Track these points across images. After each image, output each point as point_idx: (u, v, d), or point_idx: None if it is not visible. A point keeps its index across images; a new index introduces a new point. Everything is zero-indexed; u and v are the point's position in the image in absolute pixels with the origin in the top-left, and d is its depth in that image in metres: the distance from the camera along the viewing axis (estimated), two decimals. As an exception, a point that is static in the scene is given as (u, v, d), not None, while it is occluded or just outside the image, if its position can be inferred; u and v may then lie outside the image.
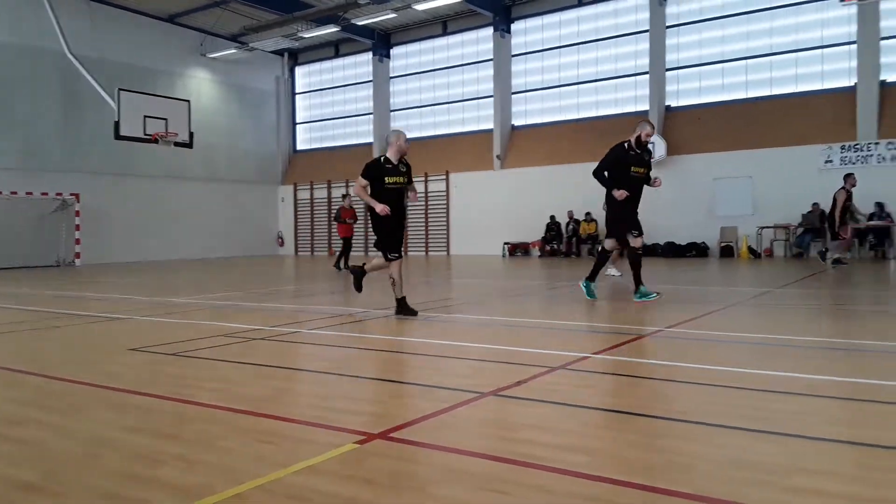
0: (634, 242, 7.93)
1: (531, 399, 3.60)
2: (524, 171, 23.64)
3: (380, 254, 7.19)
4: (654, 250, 20.29)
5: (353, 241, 16.81)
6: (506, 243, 23.60)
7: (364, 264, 7.69)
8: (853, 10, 18.48)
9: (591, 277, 8.25)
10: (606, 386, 3.95)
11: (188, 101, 19.68)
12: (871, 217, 17.51)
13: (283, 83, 30.26)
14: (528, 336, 5.84)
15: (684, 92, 21.68)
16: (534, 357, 4.70)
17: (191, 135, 18.86)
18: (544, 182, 22.96)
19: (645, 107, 21.71)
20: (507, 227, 23.66)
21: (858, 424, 3.15)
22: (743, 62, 20.54)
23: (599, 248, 8.48)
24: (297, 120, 30.90)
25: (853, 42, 18.72)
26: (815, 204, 18.00)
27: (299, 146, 30.97)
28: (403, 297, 7.13)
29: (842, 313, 7.42)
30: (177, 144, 18.58)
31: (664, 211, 19.42)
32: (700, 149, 20.61)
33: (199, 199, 26.30)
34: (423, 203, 25.88)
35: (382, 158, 6.99)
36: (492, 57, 24.75)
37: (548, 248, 22.59)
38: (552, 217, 22.61)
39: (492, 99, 24.81)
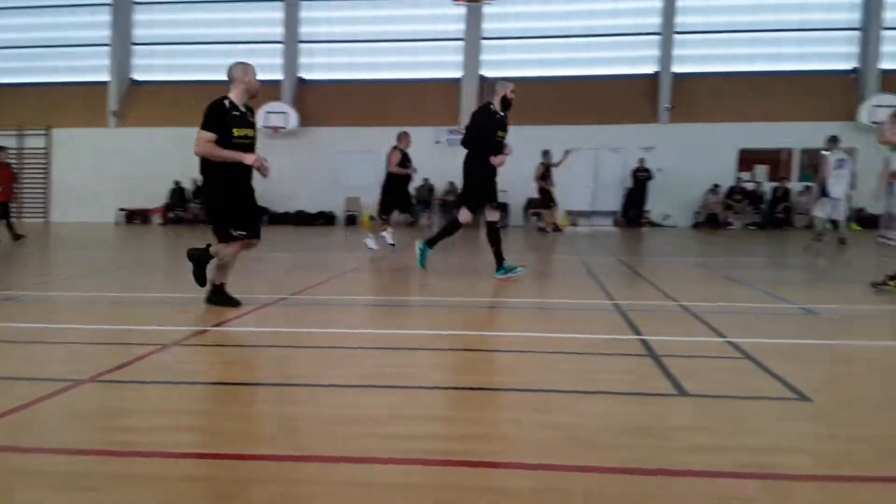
0: (492, 215, 7.16)
1: (138, 381, 3.30)
2: (145, 132, 21.62)
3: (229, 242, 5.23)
4: (284, 218, 20.66)
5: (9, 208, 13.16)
6: (122, 209, 21.49)
7: (209, 246, 5.36)
8: (463, 9, 21.06)
9: (432, 243, 7.49)
10: (222, 359, 3.83)
11: None
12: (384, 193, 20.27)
13: None
14: (142, 312, 5.36)
15: (318, 66, 22.19)
16: (146, 335, 4.32)
17: None
18: (168, 144, 21.20)
19: (279, 76, 21.65)
20: (125, 191, 21.48)
21: (455, 371, 3.59)
22: (370, 44, 21.82)
23: (450, 220, 7.36)
24: None
25: (461, 38, 21.32)
26: (425, 179, 20.19)
27: None
28: (223, 284, 5.33)
29: (448, 274, 8.45)
30: None
31: (295, 181, 19.90)
32: (329, 122, 21.41)
33: None
34: (17, 162, 21.89)
35: (227, 103, 5.03)
36: (111, 1, 21.95)
37: (171, 214, 21.28)
38: (177, 182, 21.26)
39: (109, 48, 22.05)
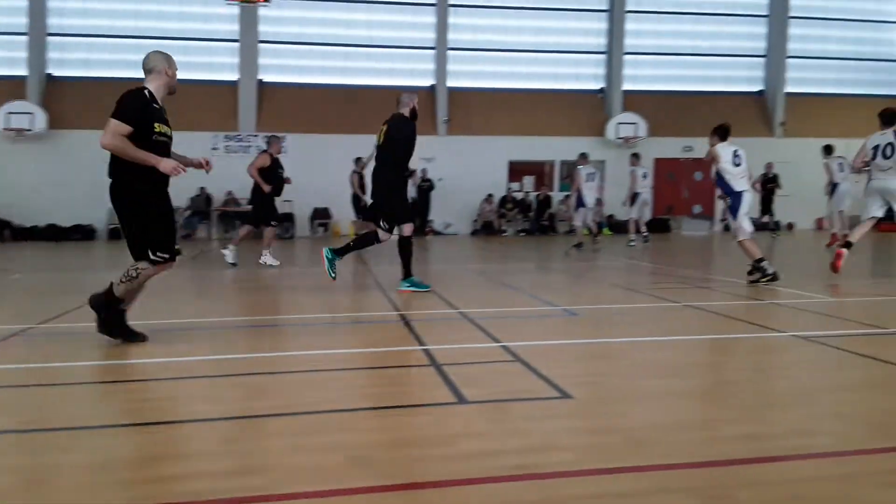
0: (408, 230, 7.06)
1: None
2: None
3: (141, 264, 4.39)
4: (32, 233, 18.25)
5: None
6: None
7: (112, 287, 4.36)
8: (236, 9, 20.16)
9: (408, 272, 7.05)
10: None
11: None
12: (251, 202, 19.51)
13: None
14: None
15: (71, 62, 19.89)
16: None
17: None
18: None
19: (23, 71, 19.12)
20: None
21: (226, 399, 3.36)
22: (134, 40, 20.01)
23: (400, 239, 7.04)
24: None
25: (237, 40, 20.42)
26: (202, 188, 19.06)
27: None
28: (124, 312, 4.46)
29: (218, 294, 8.01)
30: None
31: (44, 191, 17.89)
32: (86, 125, 19.28)
33: None
34: None
35: (147, 93, 4.36)
36: None
37: None
38: None
39: None
